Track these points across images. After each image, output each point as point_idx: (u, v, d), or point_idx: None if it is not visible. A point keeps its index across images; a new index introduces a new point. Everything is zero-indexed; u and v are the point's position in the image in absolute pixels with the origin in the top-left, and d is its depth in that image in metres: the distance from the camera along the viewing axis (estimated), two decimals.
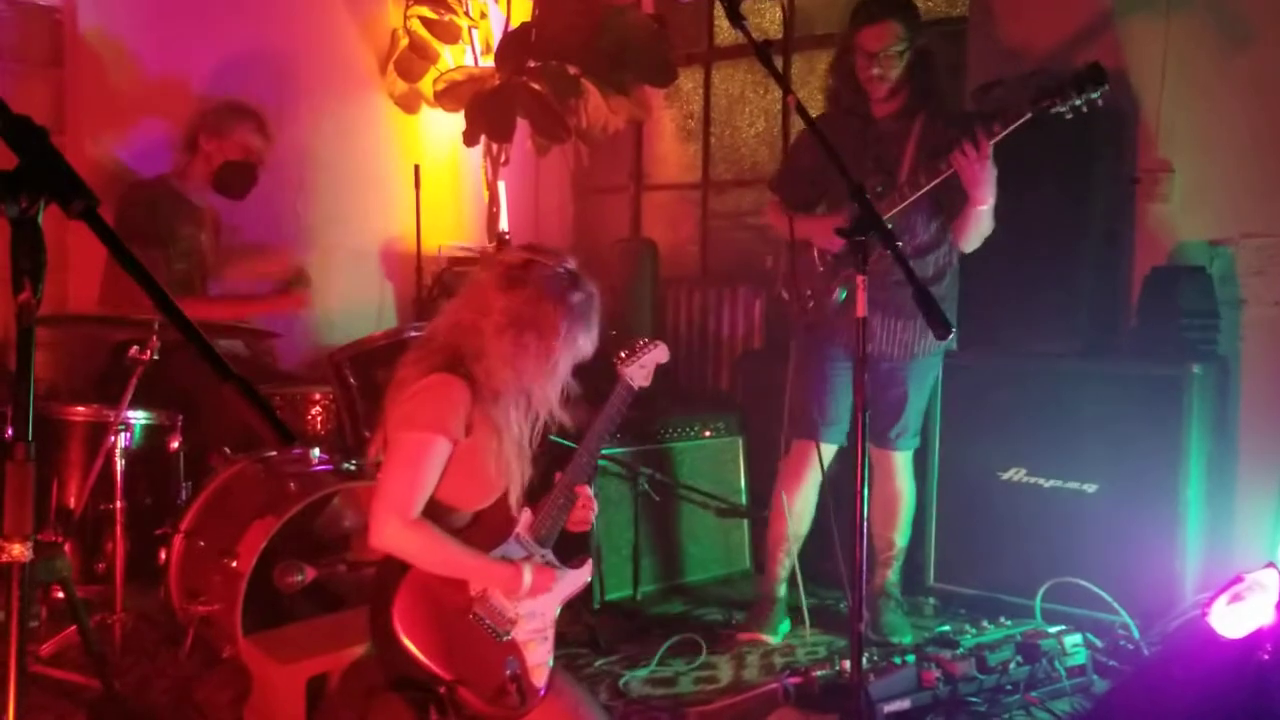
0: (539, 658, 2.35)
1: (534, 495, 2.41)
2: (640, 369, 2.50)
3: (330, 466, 3.22)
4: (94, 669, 2.83)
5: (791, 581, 3.63)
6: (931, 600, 3.91)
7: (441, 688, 2.23)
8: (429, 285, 3.93)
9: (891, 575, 3.72)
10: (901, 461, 3.63)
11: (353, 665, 2.74)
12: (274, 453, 3.25)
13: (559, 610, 2.42)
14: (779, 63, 4.94)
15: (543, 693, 2.33)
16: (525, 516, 2.37)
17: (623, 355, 2.48)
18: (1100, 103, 2.96)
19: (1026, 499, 3.75)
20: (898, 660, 3.00)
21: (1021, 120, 3.01)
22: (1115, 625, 3.42)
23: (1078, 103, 2.95)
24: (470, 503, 2.34)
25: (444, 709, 2.22)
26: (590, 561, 2.48)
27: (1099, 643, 3.34)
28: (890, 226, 2.35)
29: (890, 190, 3.24)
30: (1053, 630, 3.20)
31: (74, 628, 2.85)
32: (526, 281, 2.22)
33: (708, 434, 4.29)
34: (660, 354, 2.52)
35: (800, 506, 3.58)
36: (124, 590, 3.05)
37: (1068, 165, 3.72)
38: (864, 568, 2.24)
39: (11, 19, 3.93)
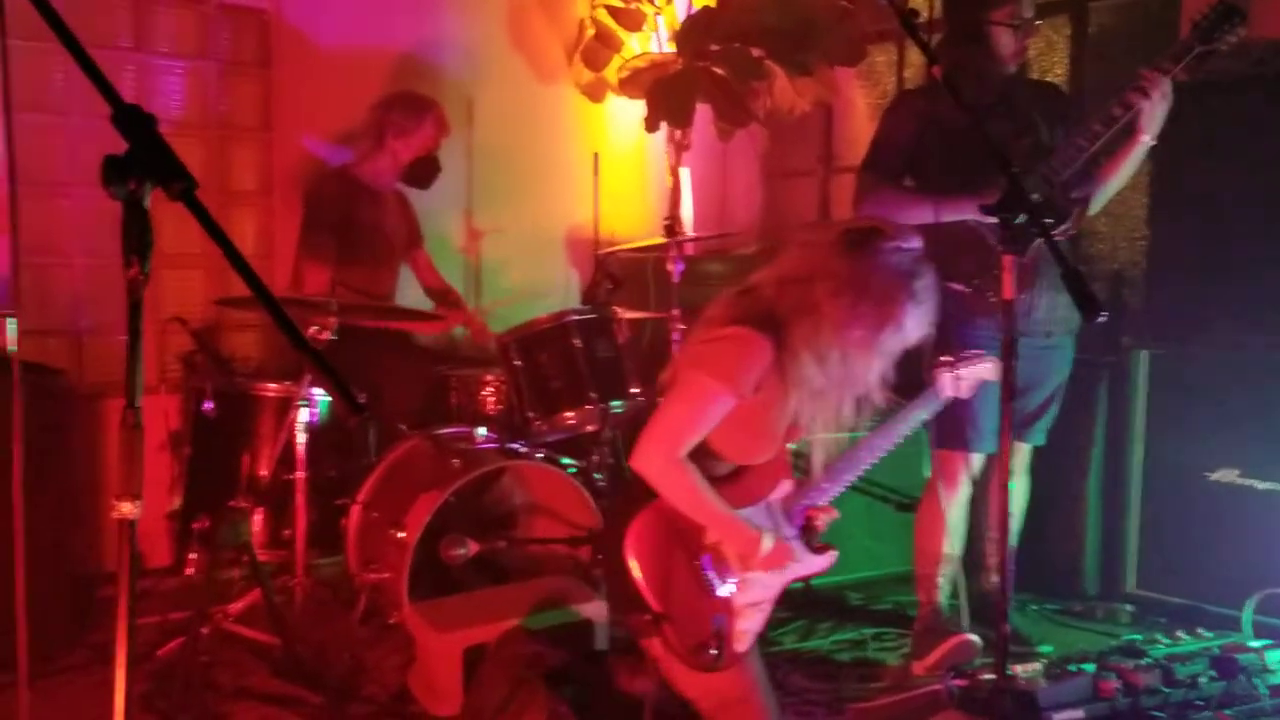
0: (749, 625, 2.31)
1: None
2: (957, 379, 2.40)
3: (495, 444, 3.31)
4: (275, 629, 3.04)
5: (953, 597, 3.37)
6: (1128, 607, 3.66)
7: (647, 615, 2.25)
8: (593, 273, 3.99)
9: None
10: (1029, 455, 3.41)
11: (504, 636, 2.81)
12: (445, 430, 3.39)
13: (785, 588, 2.38)
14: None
15: (742, 659, 2.31)
16: (785, 487, 2.34)
17: (946, 358, 2.40)
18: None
19: (1238, 502, 3.45)
20: (1074, 668, 2.83)
21: (1191, 54, 2.90)
22: None
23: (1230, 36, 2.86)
24: (737, 456, 2.32)
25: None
26: (834, 552, 2.41)
27: None
28: (1040, 199, 2.18)
29: (1053, 151, 3.04)
30: (1256, 645, 2.91)
31: (259, 589, 3.08)
32: (872, 250, 2.15)
33: None
34: (985, 370, 2.38)
35: (955, 523, 3.32)
36: (307, 555, 3.24)
37: None
38: (1009, 569, 2.13)
39: (222, 22, 4.22)
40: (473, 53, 4.66)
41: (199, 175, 4.51)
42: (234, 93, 4.26)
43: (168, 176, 1.35)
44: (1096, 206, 3.26)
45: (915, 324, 2.17)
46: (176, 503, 3.60)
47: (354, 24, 4.33)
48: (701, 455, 2.25)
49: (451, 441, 3.31)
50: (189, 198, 1.36)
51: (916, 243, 2.20)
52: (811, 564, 2.39)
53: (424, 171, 4.07)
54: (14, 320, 3.28)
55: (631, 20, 4.66)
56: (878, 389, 2.23)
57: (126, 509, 1.40)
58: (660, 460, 2.20)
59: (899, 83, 5.22)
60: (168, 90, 4.12)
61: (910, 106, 3.30)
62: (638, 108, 4.81)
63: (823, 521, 2.41)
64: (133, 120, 1.35)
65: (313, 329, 3.12)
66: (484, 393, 3.61)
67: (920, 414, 2.38)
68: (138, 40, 4.03)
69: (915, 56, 5.20)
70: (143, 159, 1.35)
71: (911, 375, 2.36)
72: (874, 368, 2.20)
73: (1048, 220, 2.13)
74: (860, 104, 5.41)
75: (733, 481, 2.33)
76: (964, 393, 2.40)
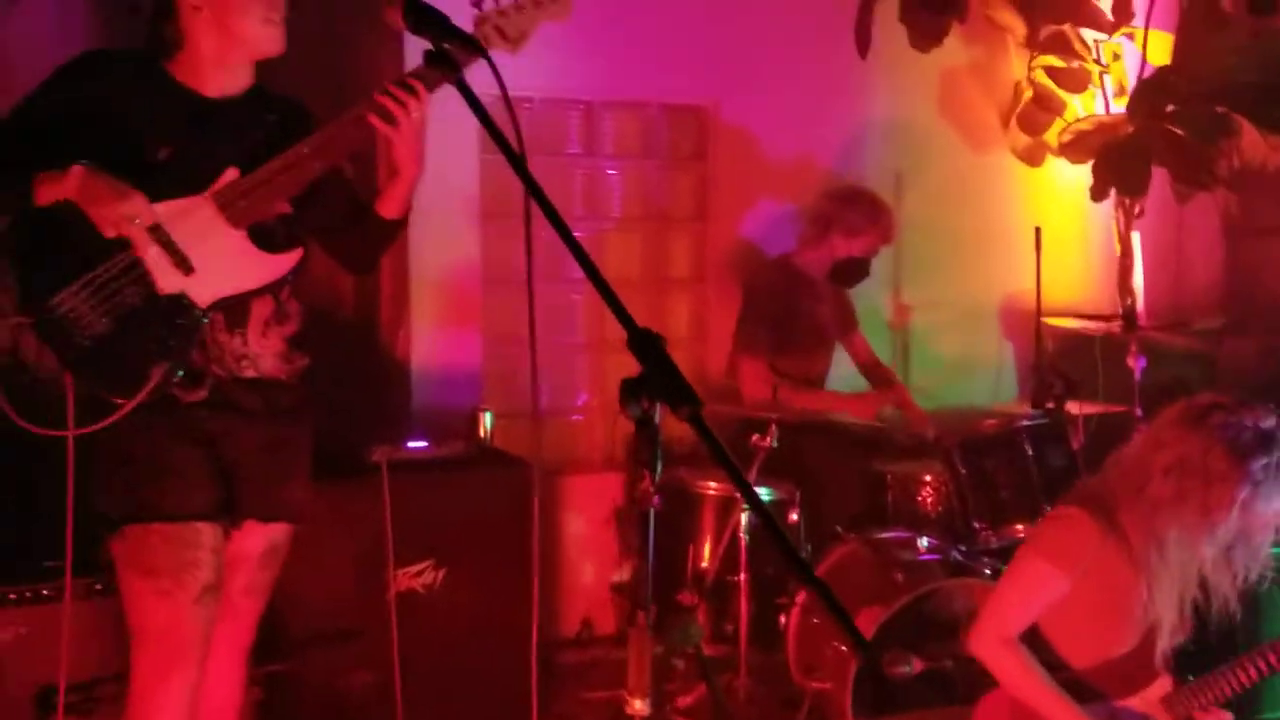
0: None
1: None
2: None
3: (938, 556, 3.21)
4: None
5: None
6: None
7: None
8: (1042, 370, 3.76)
9: None
10: None
11: None
12: (885, 535, 3.34)
13: None
14: None
15: None
16: (1161, 684, 2.19)
17: None
18: None
19: None
20: None
21: None
22: None
23: None
24: (1086, 644, 2.22)
25: None
26: None
27: None
28: None
29: None
30: None
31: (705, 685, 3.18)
32: (1204, 425, 2.06)
33: None
34: None
35: None
36: (748, 650, 3.30)
37: None
38: None
39: (663, 120, 4.44)
40: (901, 127, 4.59)
41: (639, 265, 4.74)
42: (671, 186, 4.47)
43: (676, 399, 1.40)
44: None
45: (1264, 507, 2.00)
46: (624, 575, 3.82)
47: (787, 113, 4.38)
48: (1045, 646, 2.19)
49: (893, 549, 3.24)
50: (696, 419, 1.41)
51: (1270, 421, 2.02)
52: None
53: (853, 272, 4.08)
54: (489, 414, 3.67)
55: (1075, 81, 4.38)
56: (1217, 579, 2.10)
57: (638, 706, 1.48)
58: (993, 642, 2.18)
59: None
60: (611, 187, 4.41)
61: None
62: (1076, 170, 4.51)
63: None
64: (646, 344, 1.43)
65: (755, 437, 3.20)
66: (923, 493, 3.52)
67: None
68: (586, 145, 4.34)
69: None
70: (655, 381, 1.41)
71: None
72: (1211, 553, 2.08)
73: None
74: None
75: (1091, 674, 2.20)
76: None
